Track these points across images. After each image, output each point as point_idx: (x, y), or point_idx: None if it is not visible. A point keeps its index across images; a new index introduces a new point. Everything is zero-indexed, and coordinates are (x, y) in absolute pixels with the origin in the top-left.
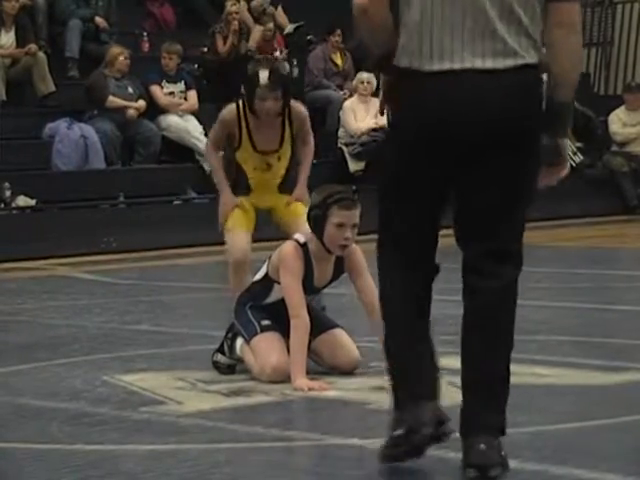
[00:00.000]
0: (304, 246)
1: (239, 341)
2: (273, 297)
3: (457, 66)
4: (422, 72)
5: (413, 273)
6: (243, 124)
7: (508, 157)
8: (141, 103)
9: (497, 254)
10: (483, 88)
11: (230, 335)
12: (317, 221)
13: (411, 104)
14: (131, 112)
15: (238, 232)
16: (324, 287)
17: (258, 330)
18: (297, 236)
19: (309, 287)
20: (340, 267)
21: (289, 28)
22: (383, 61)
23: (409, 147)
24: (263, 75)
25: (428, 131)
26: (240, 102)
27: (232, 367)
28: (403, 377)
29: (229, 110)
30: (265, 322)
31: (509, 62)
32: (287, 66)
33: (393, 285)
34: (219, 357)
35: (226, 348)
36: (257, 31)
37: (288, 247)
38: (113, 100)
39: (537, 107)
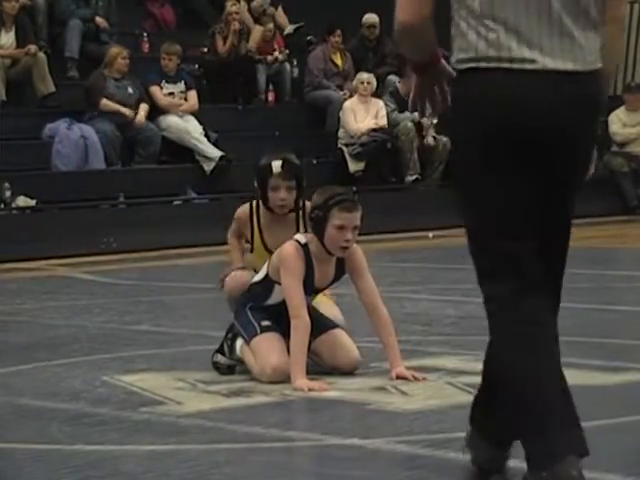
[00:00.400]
0: (305, 247)
1: (239, 342)
2: (274, 299)
3: (539, 66)
4: (502, 71)
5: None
6: (255, 223)
7: (577, 167)
8: (143, 107)
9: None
10: (566, 91)
11: (230, 336)
12: (318, 222)
13: (485, 107)
14: (127, 113)
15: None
16: (325, 288)
17: (258, 331)
18: (298, 236)
19: (309, 288)
20: (341, 268)
21: (289, 29)
22: (429, 66)
23: (498, 163)
24: (276, 164)
25: (514, 136)
26: (254, 202)
27: (232, 368)
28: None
29: (243, 209)
30: (265, 323)
31: (587, 65)
32: (298, 161)
33: (526, 364)
34: (219, 358)
35: (226, 349)
36: (257, 31)
37: (289, 247)
38: (106, 103)
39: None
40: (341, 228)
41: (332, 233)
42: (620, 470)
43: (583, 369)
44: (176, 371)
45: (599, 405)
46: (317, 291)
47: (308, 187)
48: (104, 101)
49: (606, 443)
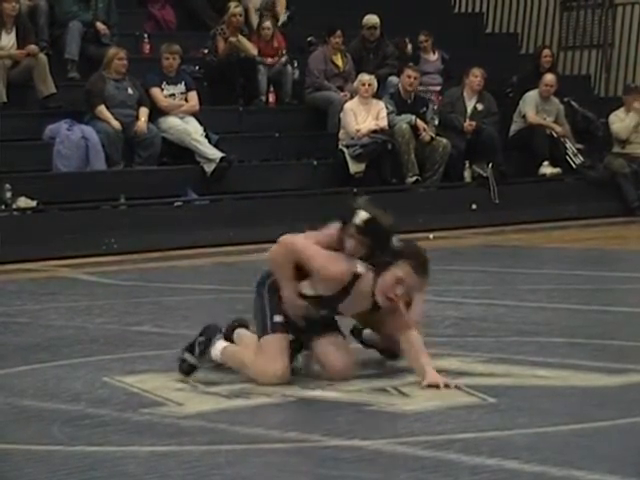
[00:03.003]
0: (355, 277)
1: (216, 347)
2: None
3: None
4: None
5: None
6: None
7: None
8: (143, 112)
9: None
10: None
11: (203, 339)
12: (381, 264)
13: None
14: (116, 127)
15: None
16: (340, 314)
17: (269, 328)
18: (359, 265)
19: (331, 308)
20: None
21: (283, 17)
22: None
23: None
24: (361, 216)
25: None
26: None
27: (195, 368)
28: None
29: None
30: (277, 319)
31: None
32: (387, 223)
33: None
34: (186, 355)
35: (197, 351)
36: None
37: (342, 268)
38: (101, 111)
39: None
40: (398, 283)
41: (388, 280)
42: (620, 472)
43: (584, 370)
44: (177, 372)
45: (600, 406)
46: (335, 312)
47: (307, 188)
48: (100, 107)
49: (607, 444)
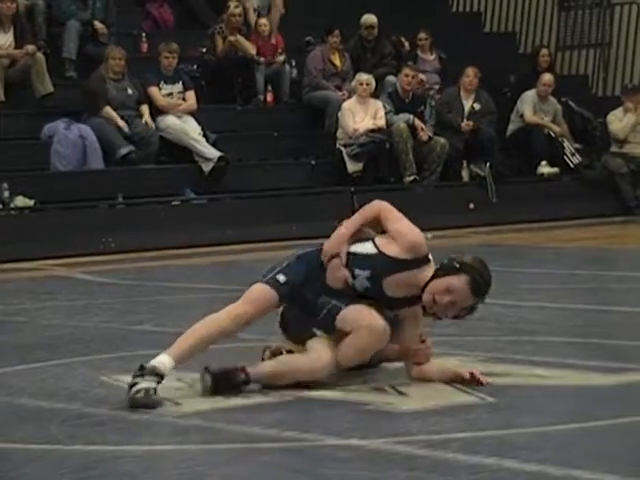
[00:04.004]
0: (427, 259)
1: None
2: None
3: None
4: None
5: None
6: None
7: None
8: (145, 109)
9: None
10: None
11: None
12: (444, 268)
13: None
14: (122, 125)
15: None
16: (383, 300)
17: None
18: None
19: (391, 271)
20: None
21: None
22: None
23: None
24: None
25: None
26: None
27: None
28: None
29: None
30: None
31: None
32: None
33: None
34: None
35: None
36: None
37: (419, 236)
38: (108, 111)
39: None
40: (448, 292)
41: (441, 290)
42: (619, 471)
43: (582, 370)
44: (175, 371)
45: (598, 406)
46: (382, 298)
47: (305, 187)
48: (107, 109)
49: (605, 444)
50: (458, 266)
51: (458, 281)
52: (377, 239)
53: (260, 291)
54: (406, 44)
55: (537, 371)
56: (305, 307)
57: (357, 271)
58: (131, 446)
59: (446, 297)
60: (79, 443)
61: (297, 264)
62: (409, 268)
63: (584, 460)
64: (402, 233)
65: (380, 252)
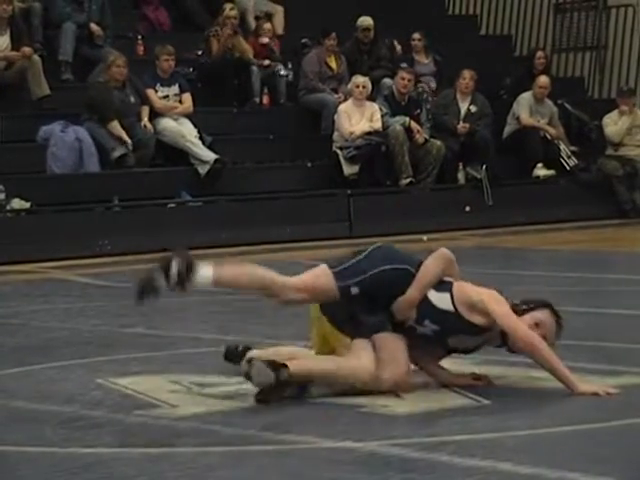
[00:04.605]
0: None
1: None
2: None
3: None
4: None
5: None
6: None
7: None
8: (144, 111)
9: None
10: None
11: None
12: (519, 312)
13: None
14: (127, 141)
15: None
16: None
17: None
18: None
19: (437, 341)
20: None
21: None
22: None
23: None
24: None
25: None
26: None
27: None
28: None
29: None
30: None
31: None
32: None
33: None
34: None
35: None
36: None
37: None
38: (115, 126)
39: None
40: (537, 325)
41: (527, 323)
42: (614, 473)
43: (578, 372)
44: (170, 374)
45: (594, 408)
46: (449, 350)
47: (301, 190)
48: (114, 123)
49: (600, 446)
50: (533, 305)
51: (542, 315)
52: (455, 291)
53: (326, 285)
54: (398, 47)
55: (532, 373)
56: (355, 313)
57: (426, 322)
58: (127, 449)
59: (536, 331)
60: (75, 446)
61: (375, 281)
62: (481, 333)
63: (579, 462)
64: (515, 330)
65: (457, 313)
